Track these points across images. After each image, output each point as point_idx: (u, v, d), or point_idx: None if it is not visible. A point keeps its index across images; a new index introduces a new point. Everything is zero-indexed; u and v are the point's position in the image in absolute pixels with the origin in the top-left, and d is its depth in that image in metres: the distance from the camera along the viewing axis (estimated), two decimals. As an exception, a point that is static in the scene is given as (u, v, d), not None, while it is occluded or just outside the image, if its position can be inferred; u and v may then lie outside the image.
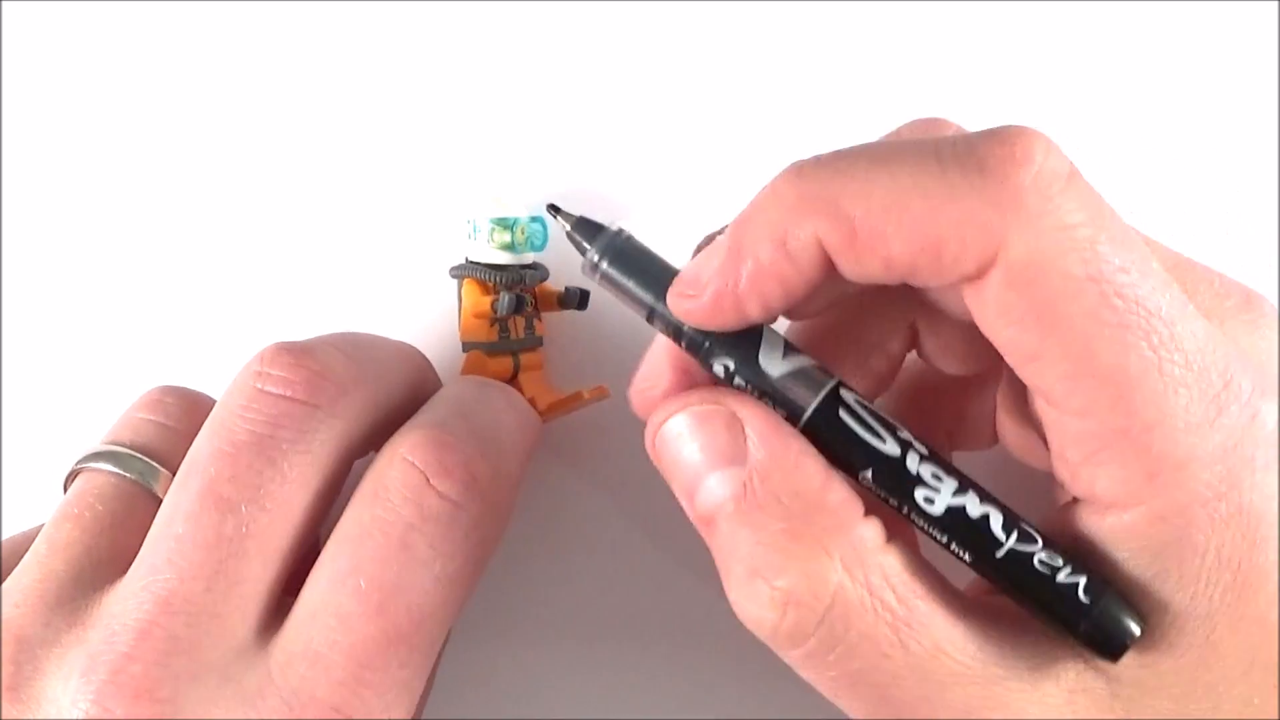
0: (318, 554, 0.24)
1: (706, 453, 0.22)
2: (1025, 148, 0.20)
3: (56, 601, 0.23)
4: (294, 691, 0.22)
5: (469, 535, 0.24)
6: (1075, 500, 0.22)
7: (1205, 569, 0.20)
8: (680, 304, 0.23)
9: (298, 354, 0.25)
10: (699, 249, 0.24)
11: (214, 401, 0.26)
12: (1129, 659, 0.21)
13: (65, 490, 0.26)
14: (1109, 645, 0.21)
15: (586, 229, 0.24)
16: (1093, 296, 0.20)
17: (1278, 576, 0.21)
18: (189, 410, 0.27)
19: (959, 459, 0.28)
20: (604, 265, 0.24)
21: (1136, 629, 0.21)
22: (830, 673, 0.22)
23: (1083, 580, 0.21)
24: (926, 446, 0.22)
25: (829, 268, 0.21)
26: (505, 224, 0.30)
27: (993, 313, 0.21)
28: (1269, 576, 0.20)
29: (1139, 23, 0.32)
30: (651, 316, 0.24)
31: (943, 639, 0.21)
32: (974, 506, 0.22)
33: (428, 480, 0.24)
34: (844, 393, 0.22)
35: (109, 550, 0.24)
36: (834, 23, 0.32)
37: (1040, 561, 0.21)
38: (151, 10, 0.33)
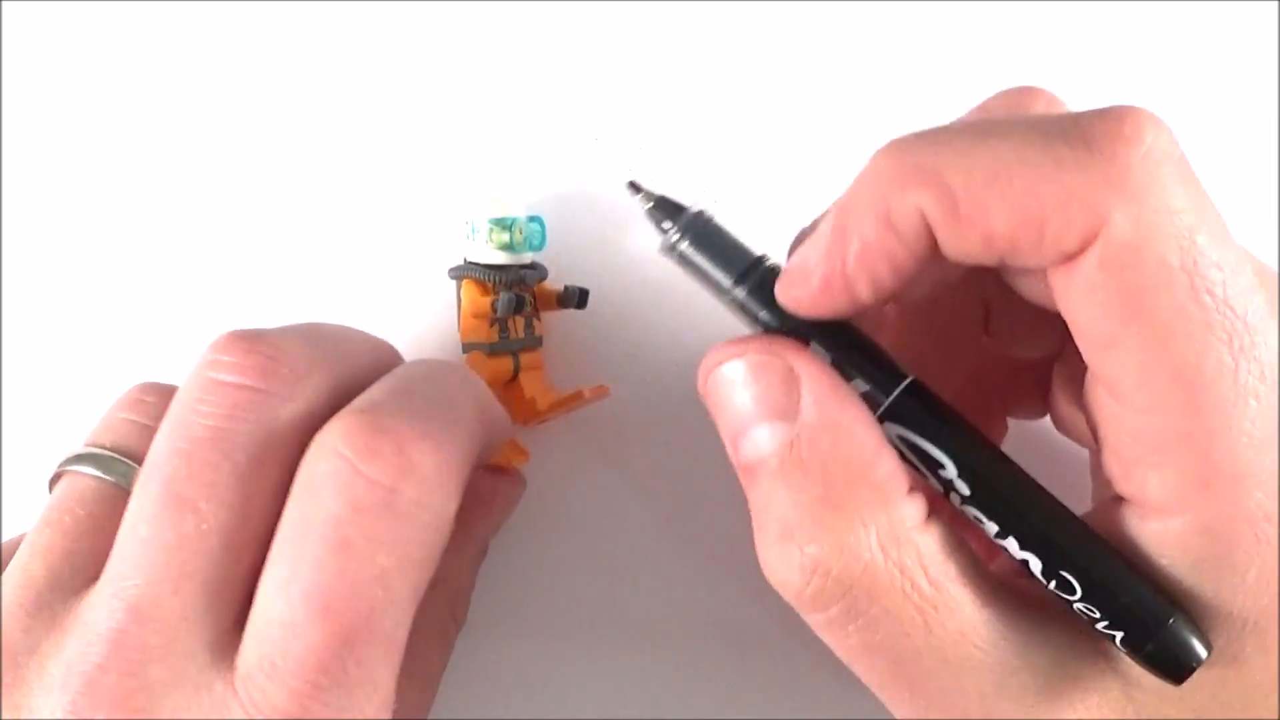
0: None
1: (759, 403, 0.22)
2: (1135, 125, 0.20)
3: (35, 608, 0.23)
4: (255, 704, 0.22)
5: (411, 520, 0.23)
6: (1115, 502, 0.22)
7: (1244, 587, 0.20)
8: (789, 292, 0.22)
9: (250, 340, 0.24)
10: (795, 244, 0.24)
11: None
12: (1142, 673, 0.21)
13: (50, 491, 0.26)
14: (1173, 668, 0.21)
15: (666, 208, 0.24)
16: (1184, 289, 0.19)
17: None
18: (165, 407, 0.26)
19: (1013, 427, 0.29)
20: (683, 246, 0.23)
21: (1203, 652, 0.21)
22: (849, 640, 0.22)
23: (1119, 635, 0.21)
24: (975, 482, 0.22)
25: (933, 244, 0.21)
26: (503, 224, 0.30)
27: (1079, 294, 0.20)
28: None
29: (1139, 23, 0.32)
30: (728, 299, 0.23)
31: (966, 626, 0.21)
32: (1014, 550, 0.22)
33: (356, 468, 0.22)
34: (916, 395, 0.22)
35: (89, 555, 0.24)
36: (838, 23, 0.33)
37: (1080, 610, 0.21)
38: (147, 11, 0.33)
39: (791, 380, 0.22)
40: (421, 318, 0.32)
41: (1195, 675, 0.21)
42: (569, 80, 0.33)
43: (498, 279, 0.30)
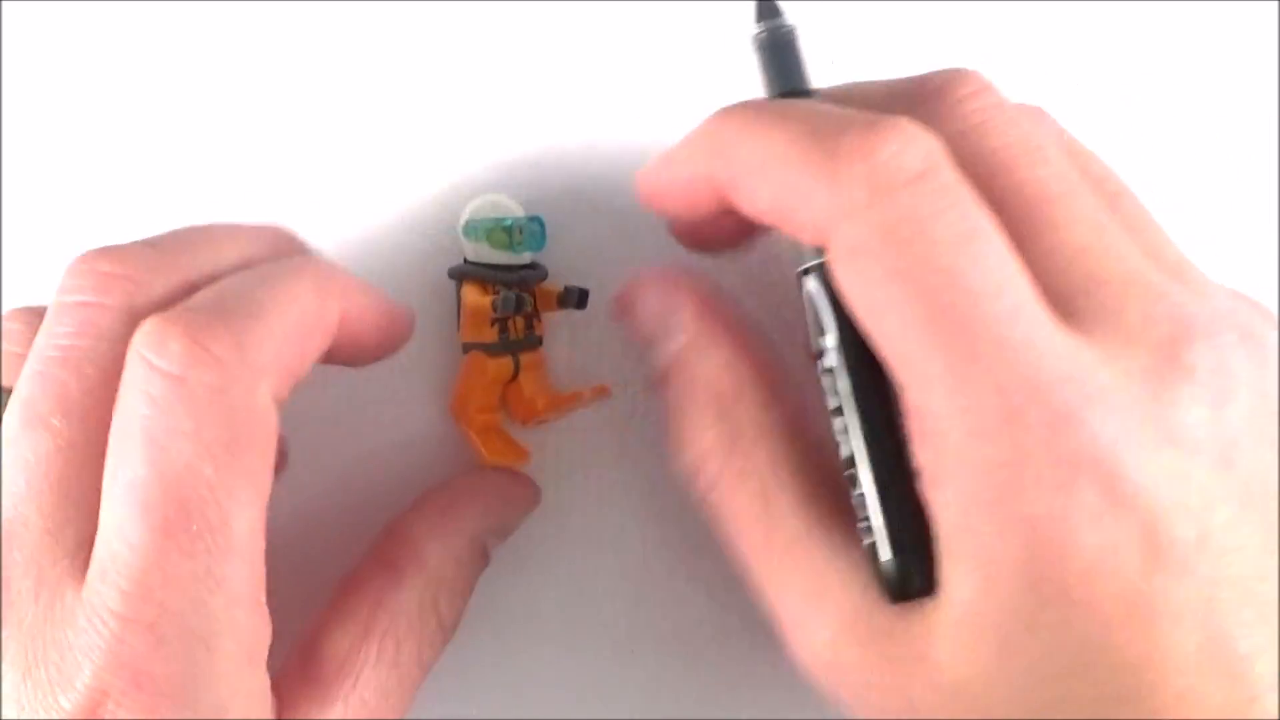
0: None
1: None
2: (881, 139, 0.21)
3: None
4: (95, 609, 0.22)
5: (209, 406, 0.22)
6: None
7: (1001, 570, 0.21)
8: (639, 180, 0.27)
9: (90, 258, 0.24)
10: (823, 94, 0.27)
11: None
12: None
13: None
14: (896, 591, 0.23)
15: (764, 9, 0.27)
16: (906, 292, 0.21)
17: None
18: (32, 332, 0.26)
19: None
20: (763, 38, 0.27)
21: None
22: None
23: (875, 541, 0.23)
24: (845, 358, 0.24)
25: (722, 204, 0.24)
26: (503, 224, 0.30)
27: (837, 283, 0.23)
28: (1056, 603, 0.21)
29: (1138, 23, 0.32)
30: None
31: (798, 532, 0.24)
32: (837, 428, 0.24)
33: (150, 362, 0.22)
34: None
35: None
36: (827, 21, 0.32)
37: (856, 500, 0.24)
38: (143, 13, 0.33)
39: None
40: (422, 318, 0.32)
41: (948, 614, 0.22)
42: (568, 80, 0.33)
43: (497, 279, 0.30)
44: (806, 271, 0.24)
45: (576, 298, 0.31)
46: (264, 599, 0.23)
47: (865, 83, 0.26)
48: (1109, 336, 0.21)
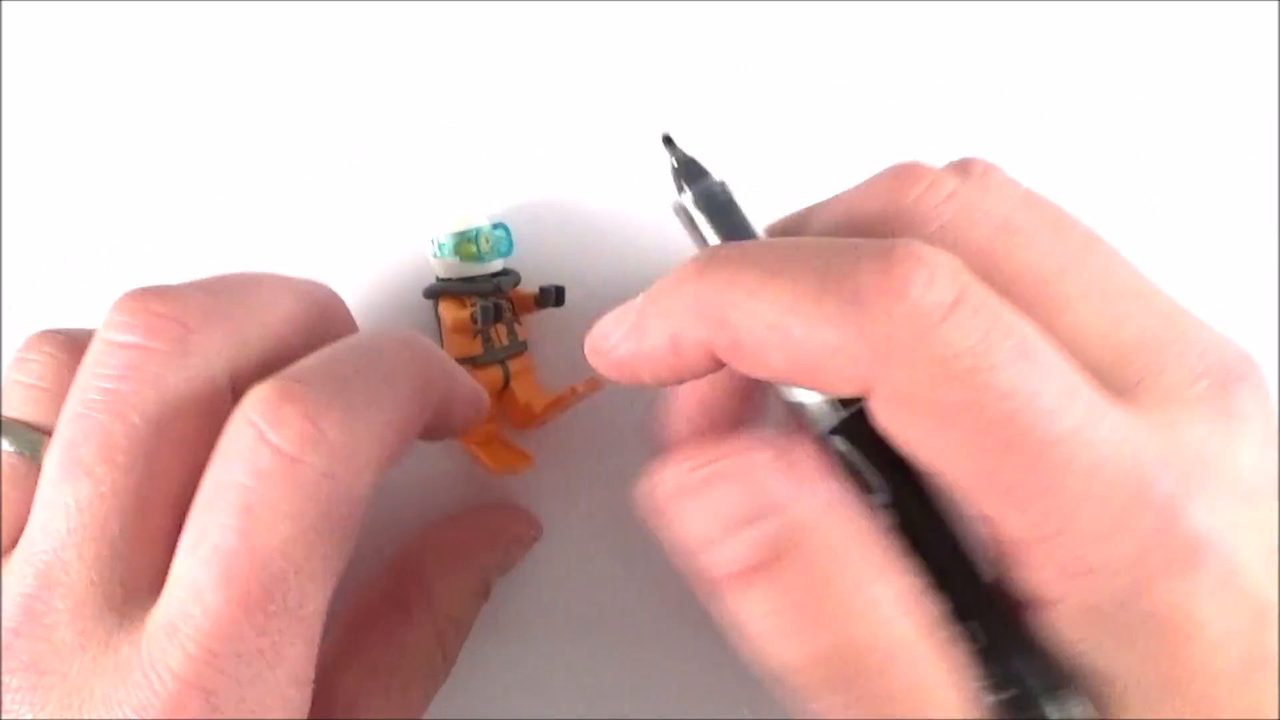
0: None
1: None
2: (903, 277, 0.20)
3: None
4: (153, 665, 0.22)
5: (317, 489, 0.22)
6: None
7: (1132, 663, 0.20)
8: (592, 356, 0.24)
9: (141, 297, 0.24)
10: (772, 229, 0.25)
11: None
12: None
13: None
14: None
15: (689, 172, 0.24)
16: (977, 425, 0.19)
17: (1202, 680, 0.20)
18: (53, 362, 0.26)
19: None
20: (693, 210, 0.24)
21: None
22: None
23: (1008, 696, 0.21)
24: (901, 513, 0.22)
25: (717, 365, 0.22)
26: (467, 236, 0.30)
27: (885, 425, 0.21)
28: (1191, 681, 0.20)
29: (1138, 22, 0.32)
30: None
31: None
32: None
33: (263, 435, 0.22)
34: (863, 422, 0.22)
35: (10, 524, 0.24)
36: (790, 24, 0.33)
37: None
38: (139, 14, 0.33)
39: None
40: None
41: None
42: (522, 88, 0.32)
43: (472, 291, 0.30)
44: (834, 431, 0.22)
45: (554, 296, 0.31)
46: (312, 675, 0.23)
47: (815, 206, 0.24)
48: (1163, 405, 0.21)
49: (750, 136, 0.32)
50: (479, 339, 0.30)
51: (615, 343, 0.23)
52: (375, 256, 0.32)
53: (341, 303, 0.28)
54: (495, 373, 0.31)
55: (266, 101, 0.33)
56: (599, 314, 0.31)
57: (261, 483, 0.22)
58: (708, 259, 0.22)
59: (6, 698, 0.22)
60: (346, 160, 0.33)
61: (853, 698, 0.20)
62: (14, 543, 0.24)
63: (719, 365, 0.22)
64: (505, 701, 0.32)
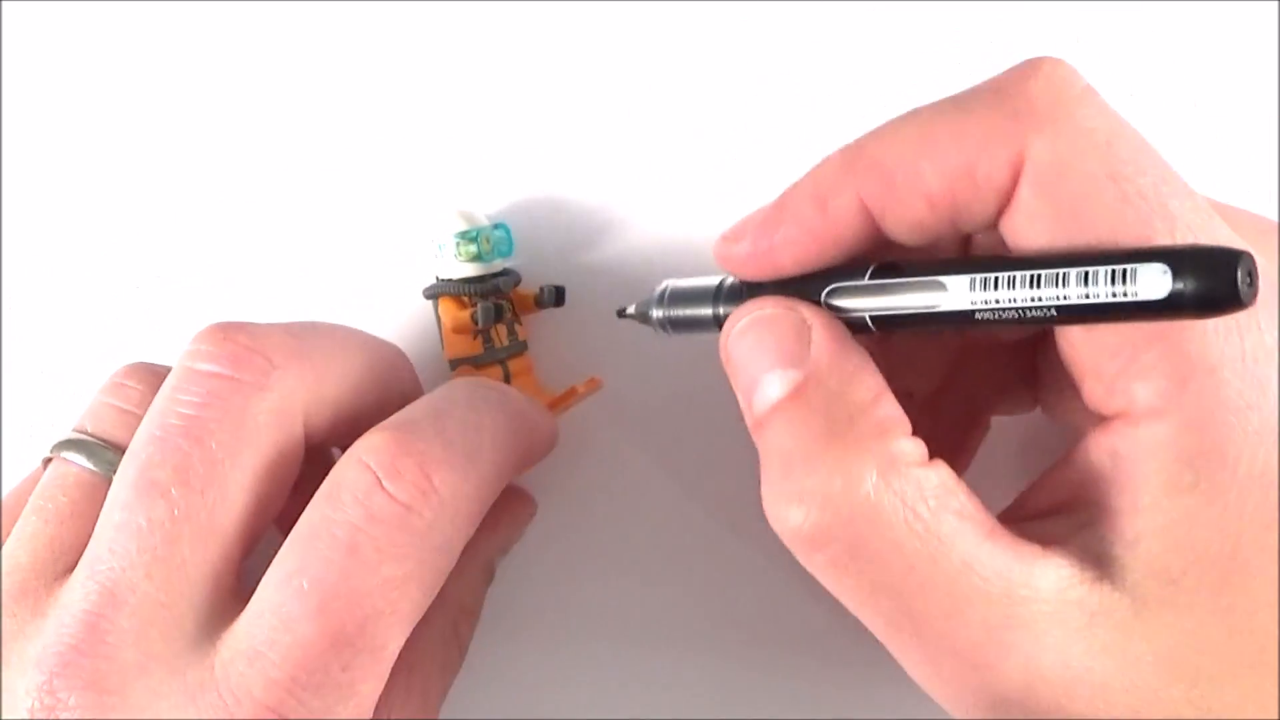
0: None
1: (768, 353, 0.23)
2: (1038, 66, 0.21)
3: (20, 594, 0.24)
4: (231, 689, 0.22)
5: (423, 539, 0.23)
6: (1103, 425, 0.22)
7: (1236, 482, 0.20)
8: (721, 247, 0.24)
9: (229, 330, 0.25)
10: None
11: None
12: (1154, 577, 0.21)
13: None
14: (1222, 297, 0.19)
15: (644, 305, 0.27)
16: (1114, 194, 0.20)
17: None
18: (150, 391, 0.26)
19: (999, 423, 0.29)
20: (667, 316, 0.27)
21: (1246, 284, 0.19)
22: (851, 580, 0.22)
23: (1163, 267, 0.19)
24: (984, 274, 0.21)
25: (868, 229, 0.23)
26: (469, 236, 0.30)
27: (1025, 229, 0.21)
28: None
29: (1138, 22, 0.32)
30: (719, 325, 0.25)
31: (970, 556, 0.21)
32: (1055, 298, 0.20)
33: (380, 482, 0.23)
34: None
35: (71, 540, 0.25)
36: (791, 23, 0.33)
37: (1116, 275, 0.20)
38: (137, 15, 0.33)
39: (803, 329, 0.23)
40: (404, 342, 0.32)
41: (1198, 579, 0.20)
42: (522, 90, 0.33)
43: (473, 291, 0.30)
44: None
45: (554, 296, 0.31)
46: (373, 710, 0.24)
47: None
48: None
49: (752, 135, 0.32)
50: (480, 339, 0.30)
51: (753, 231, 0.24)
52: (375, 256, 0.32)
53: (409, 363, 0.29)
54: (495, 373, 0.31)
55: (267, 103, 0.33)
56: (599, 314, 0.32)
57: (373, 525, 0.23)
58: (845, 144, 0.23)
59: (65, 717, 0.22)
60: (347, 160, 0.33)
61: (843, 551, 0.22)
62: (74, 562, 0.24)
63: (866, 229, 0.23)
64: (504, 701, 0.32)
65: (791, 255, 0.23)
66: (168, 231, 0.33)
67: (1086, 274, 0.20)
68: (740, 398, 0.24)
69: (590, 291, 0.32)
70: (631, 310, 0.28)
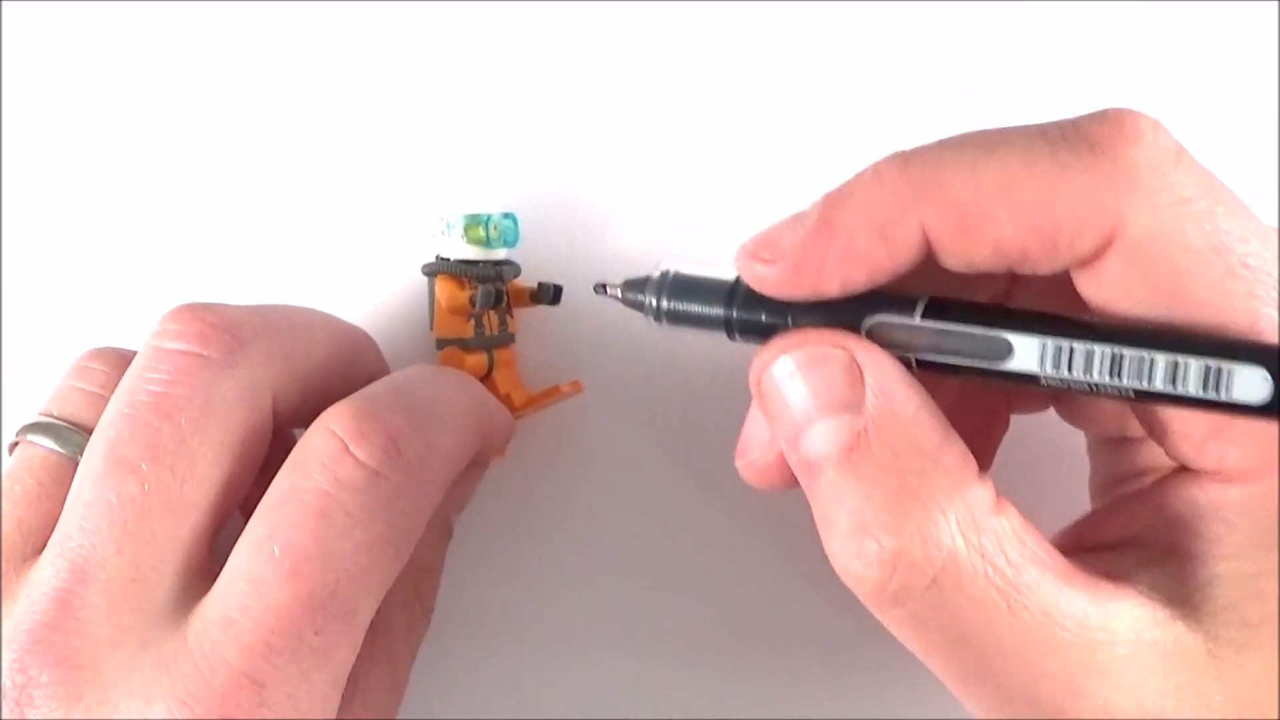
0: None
1: (818, 396, 0.22)
2: (1134, 126, 0.20)
3: None
4: (205, 656, 0.22)
5: (391, 503, 0.24)
6: (1188, 475, 0.22)
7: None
8: (752, 267, 0.22)
9: (196, 309, 0.25)
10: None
11: None
12: (1230, 621, 0.21)
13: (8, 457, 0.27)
14: None
15: (634, 287, 0.25)
16: (1219, 268, 0.20)
17: None
18: (115, 374, 0.26)
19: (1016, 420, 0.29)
20: (665, 306, 0.24)
21: None
22: (931, 636, 0.21)
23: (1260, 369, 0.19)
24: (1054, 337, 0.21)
25: (924, 257, 0.21)
26: (478, 220, 0.30)
27: (1113, 295, 0.21)
28: None
29: (1139, 23, 0.32)
30: (728, 326, 0.24)
31: (1050, 605, 0.21)
32: (1118, 381, 0.20)
33: (346, 448, 0.23)
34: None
35: (39, 522, 0.25)
36: (792, 22, 0.33)
37: (1205, 371, 0.20)
38: (135, 10, 0.33)
39: (854, 370, 0.21)
40: (393, 313, 0.32)
41: (1271, 629, 0.21)
42: (541, 78, 0.33)
43: (474, 274, 0.30)
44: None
45: (551, 294, 0.31)
46: (346, 679, 0.24)
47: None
48: None
49: (755, 134, 0.33)
50: (472, 322, 0.30)
51: (794, 245, 0.22)
52: (378, 225, 0.32)
53: (375, 346, 0.29)
54: (481, 358, 0.31)
55: (274, 89, 0.33)
56: (592, 319, 0.32)
57: (341, 490, 0.23)
58: (904, 155, 0.21)
59: (37, 693, 0.22)
60: (354, 142, 0.33)
61: (924, 607, 0.21)
62: (43, 543, 0.24)
63: (922, 257, 0.21)
64: (501, 700, 0.32)
65: (839, 281, 0.22)
66: (148, 214, 0.33)
67: (1176, 365, 0.19)
68: (781, 436, 0.23)
69: (587, 297, 0.32)
70: (614, 289, 0.26)
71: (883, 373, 0.21)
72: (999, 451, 0.29)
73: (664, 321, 0.25)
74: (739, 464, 0.25)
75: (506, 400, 0.31)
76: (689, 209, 0.32)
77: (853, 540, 0.21)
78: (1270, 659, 0.21)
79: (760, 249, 0.22)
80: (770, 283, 0.22)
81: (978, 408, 0.28)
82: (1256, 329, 0.20)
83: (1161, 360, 0.19)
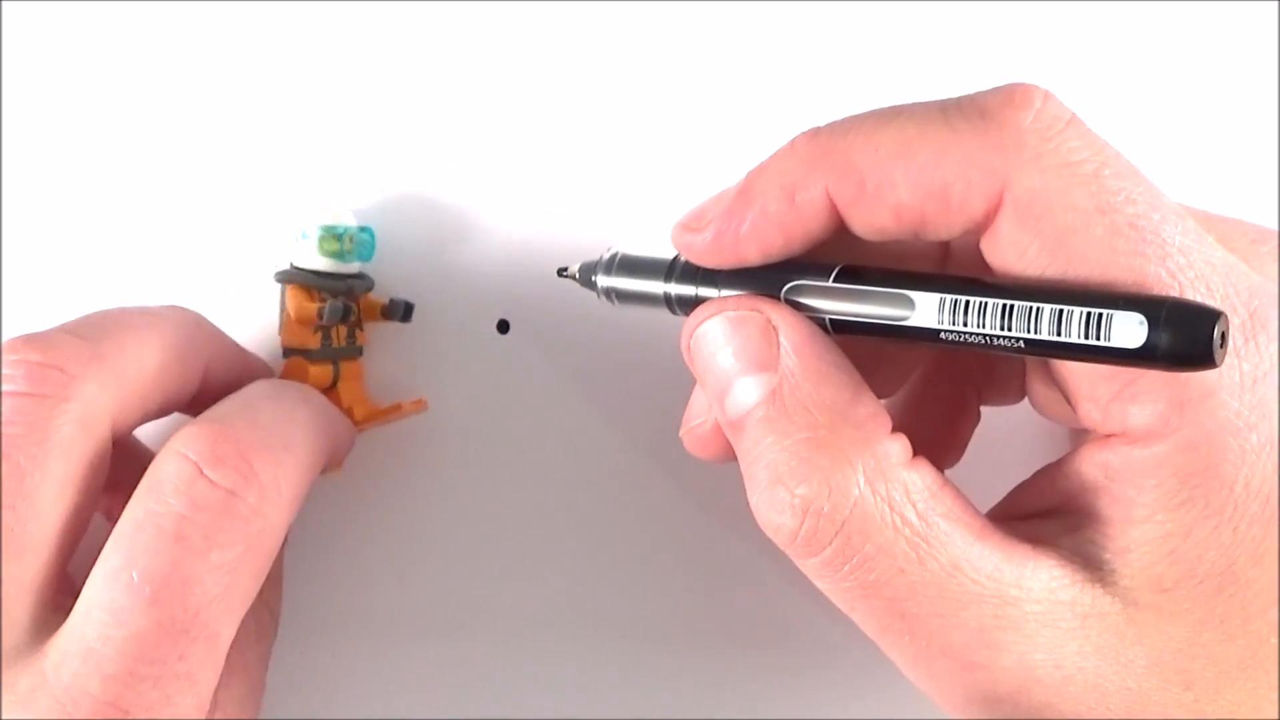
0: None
1: (740, 357, 0.23)
2: (1024, 95, 0.21)
3: None
4: (66, 689, 0.22)
5: (248, 523, 0.24)
6: (1098, 439, 0.22)
7: (1233, 499, 0.21)
8: (682, 236, 0.24)
9: (20, 347, 0.25)
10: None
11: None
12: (1146, 584, 0.21)
13: None
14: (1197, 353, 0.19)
15: (588, 269, 0.27)
16: (1104, 226, 0.20)
17: None
18: None
19: (987, 413, 0.30)
20: (613, 285, 0.26)
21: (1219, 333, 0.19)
22: (845, 583, 0.22)
23: (1136, 317, 0.20)
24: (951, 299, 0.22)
25: (834, 223, 0.22)
26: (334, 232, 0.30)
27: (1009, 256, 0.21)
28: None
29: (1138, 22, 0.32)
30: (668, 301, 0.25)
31: (960, 557, 0.22)
32: (1006, 330, 0.21)
33: (200, 470, 0.23)
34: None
35: None
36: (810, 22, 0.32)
37: (1087, 320, 0.20)
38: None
39: (769, 332, 0.23)
40: (243, 320, 0.31)
41: (1191, 589, 0.21)
42: (405, 86, 0.33)
43: (324, 286, 0.30)
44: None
45: (401, 310, 0.31)
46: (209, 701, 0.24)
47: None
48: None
49: (626, 140, 0.33)
50: (319, 334, 0.30)
51: (716, 215, 0.23)
52: (234, 230, 0.32)
53: (206, 321, 0.29)
54: (326, 369, 0.31)
55: (159, 80, 0.32)
56: (444, 336, 0.32)
57: (198, 513, 0.23)
58: (817, 127, 0.23)
59: None
60: (225, 136, 0.32)
61: (835, 554, 0.22)
62: None
63: (832, 224, 0.23)
64: (499, 700, 0.32)
65: (757, 246, 0.23)
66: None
67: (1060, 314, 0.20)
68: (710, 398, 0.24)
69: (439, 315, 0.32)
70: (573, 270, 0.28)
71: (795, 333, 0.23)
72: (992, 452, 0.29)
73: (615, 301, 0.26)
74: (683, 434, 0.26)
75: (349, 413, 0.31)
76: (543, 227, 0.33)
77: (769, 491, 0.22)
78: (1195, 624, 0.21)
79: (690, 219, 0.24)
80: (698, 250, 0.24)
81: (946, 399, 0.29)
82: (1144, 285, 0.20)
83: (1047, 310, 0.20)
